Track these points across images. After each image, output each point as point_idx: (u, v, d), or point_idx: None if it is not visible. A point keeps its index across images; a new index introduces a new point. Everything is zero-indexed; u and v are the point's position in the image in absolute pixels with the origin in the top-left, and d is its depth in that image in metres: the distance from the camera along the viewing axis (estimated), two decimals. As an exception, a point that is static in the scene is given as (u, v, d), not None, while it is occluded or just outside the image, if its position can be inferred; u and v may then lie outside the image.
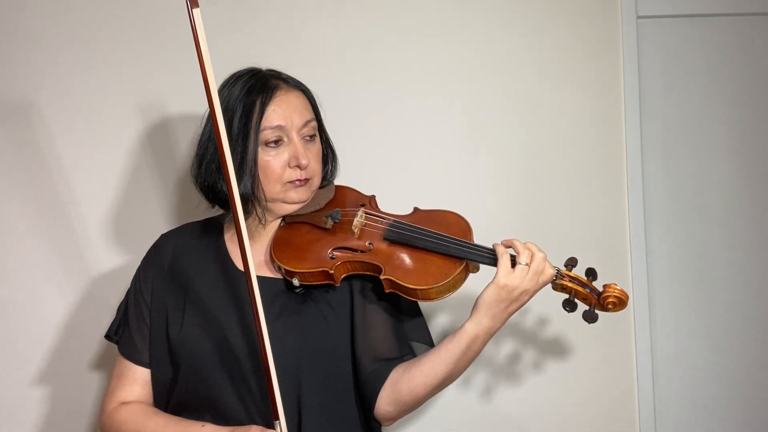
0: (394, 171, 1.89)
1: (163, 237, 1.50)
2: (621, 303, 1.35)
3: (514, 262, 1.31)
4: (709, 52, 2.03)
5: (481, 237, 1.90)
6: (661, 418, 1.97)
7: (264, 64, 1.46)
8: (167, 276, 1.43)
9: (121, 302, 1.49)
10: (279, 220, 1.44)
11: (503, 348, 1.90)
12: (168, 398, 1.39)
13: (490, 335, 1.32)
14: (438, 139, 1.93)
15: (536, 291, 1.32)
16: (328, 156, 1.49)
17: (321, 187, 1.46)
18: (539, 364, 1.92)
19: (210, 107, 1.17)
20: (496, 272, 1.30)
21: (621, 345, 1.94)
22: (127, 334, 1.44)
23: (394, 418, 1.38)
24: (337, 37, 1.90)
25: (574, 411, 1.92)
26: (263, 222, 1.41)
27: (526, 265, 1.30)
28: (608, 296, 1.34)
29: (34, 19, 1.83)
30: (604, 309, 1.35)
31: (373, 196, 1.49)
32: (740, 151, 2.03)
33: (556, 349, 1.92)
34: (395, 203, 1.48)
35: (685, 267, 2.01)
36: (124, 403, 1.41)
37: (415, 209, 1.46)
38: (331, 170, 1.50)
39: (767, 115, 2.04)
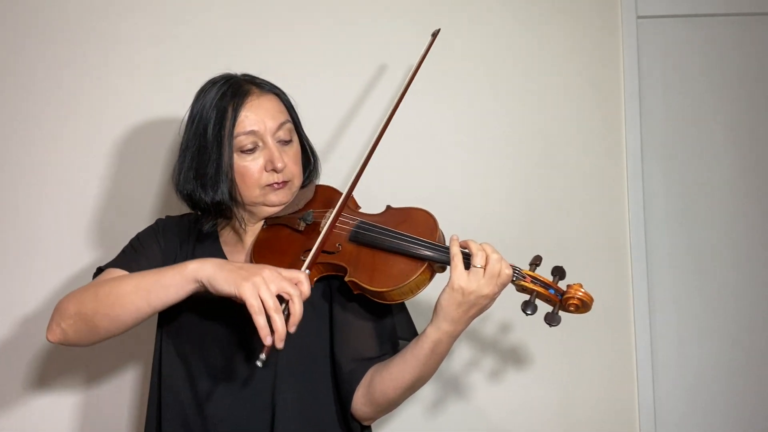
0: (393, 172, 1.90)
1: (169, 217, 1.52)
2: (584, 306, 1.26)
3: (470, 263, 1.25)
4: (709, 52, 2.03)
5: (480, 238, 1.90)
6: (661, 418, 1.97)
7: (240, 68, 1.46)
8: (173, 249, 1.45)
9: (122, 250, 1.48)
10: (262, 222, 1.45)
11: (503, 345, 1.90)
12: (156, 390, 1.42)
13: (453, 338, 1.28)
14: (437, 139, 1.93)
15: (496, 294, 1.26)
16: (309, 158, 1.48)
17: (302, 187, 1.46)
18: (539, 364, 1.92)
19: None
20: (450, 275, 1.24)
21: (621, 345, 1.94)
22: (123, 256, 1.43)
23: (371, 418, 1.37)
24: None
25: (574, 411, 1.92)
26: (243, 227, 1.43)
27: (481, 267, 1.23)
28: (570, 297, 1.25)
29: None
30: (566, 310, 1.27)
31: (351, 197, 1.45)
32: (740, 150, 2.03)
33: (555, 349, 1.92)
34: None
35: (685, 267, 2.01)
36: None
37: (387, 207, 1.43)
38: (312, 171, 1.49)
39: (767, 115, 2.04)
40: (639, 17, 1.98)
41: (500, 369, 1.91)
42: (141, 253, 1.42)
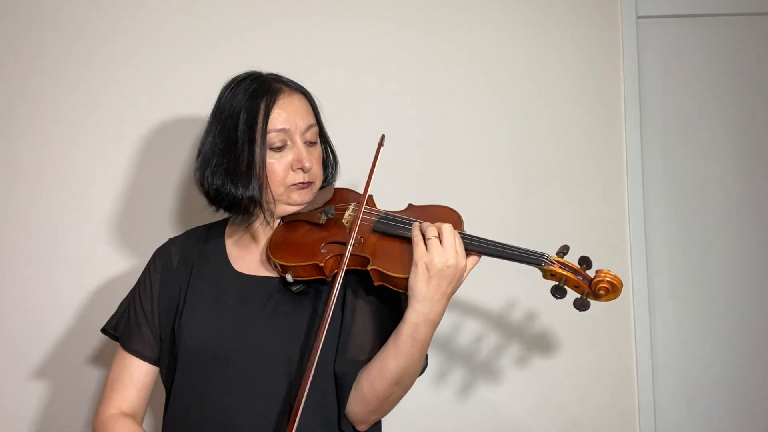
0: (393, 172, 1.90)
1: (171, 241, 1.51)
2: (614, 289, 1.27)
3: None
4: (709, 52, 2.03)
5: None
6: (661, 418, 1.97)
7: (262, 66, 1.46)
8: (174, 276, 1.44)
9: (124, 299, 1.49)
10: (279, 221, 1.45)
11: (503, 345, 1.90)
12: (167, 398, 1.41)
13: (431, 321, 1.26)
14: (437, 139, 1.93)
15: (461, 264, 1.25)
16: (329, 160, 1.50)
17: (321, 188, 1.47)
18: (539, 364, 1.92)
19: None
20: (414, 255, 1.25)
21: (621, 344, 1.94)
22: (128, 327, 1.44)
23: (363, 421, 1.35)
24: (337, 37, 1.91)
25: (574, 410, 1.92)
26: (272, 224, 1.42)
27: (436, 238, 1.24)
28: (600, 281, 1.27)
29: (33, 21, 1.84)
30: (596, 296, 1.28)
31: (370, 196, 1.47)
32: (740, 151, 2.04)
33: (556, 348, 1.92)
34: (393, 204, 1.49)
35: (685, 267, 2.01)
36: (121, 412, 1.40)
37: (409, 205, 1.45)
38: (331, 173, 1.51)
39: (767, 115, 2.04)
40: (639, 17, 1.99)
41: (500, 369, 1.91)
42: (136, 325, 1.43)
